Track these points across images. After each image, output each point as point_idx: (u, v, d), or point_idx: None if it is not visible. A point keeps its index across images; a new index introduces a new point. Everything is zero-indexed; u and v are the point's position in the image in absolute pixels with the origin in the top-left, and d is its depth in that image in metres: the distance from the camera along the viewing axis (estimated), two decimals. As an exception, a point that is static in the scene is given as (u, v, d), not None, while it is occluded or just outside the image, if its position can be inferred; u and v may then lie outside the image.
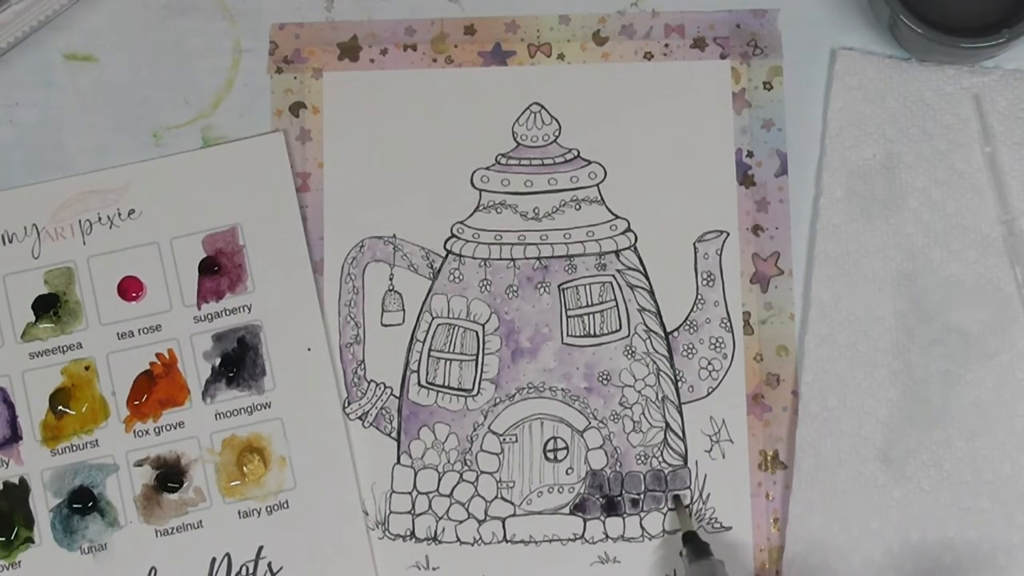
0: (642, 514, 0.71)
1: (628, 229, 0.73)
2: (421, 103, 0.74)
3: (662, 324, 0.72)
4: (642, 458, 0.71)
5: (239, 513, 0.71)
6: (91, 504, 0.71)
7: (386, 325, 0.72)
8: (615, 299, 0.72)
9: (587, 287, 0.72)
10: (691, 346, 0.72)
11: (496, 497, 0.71)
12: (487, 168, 0.73)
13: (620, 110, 0.74)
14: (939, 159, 0.72)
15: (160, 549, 0.71)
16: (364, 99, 0.74)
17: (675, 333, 0.72)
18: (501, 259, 0.72)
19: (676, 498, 0.70)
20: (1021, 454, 0.69)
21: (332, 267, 0.73)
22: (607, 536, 0.71)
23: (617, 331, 0.72)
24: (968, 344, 0.70)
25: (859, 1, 0.74)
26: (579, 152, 0.73)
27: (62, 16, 0.74)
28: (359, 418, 0.72)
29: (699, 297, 0.72)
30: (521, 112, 0.74)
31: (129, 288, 0.72)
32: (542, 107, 0.74)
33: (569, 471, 0.71)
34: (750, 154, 0.73)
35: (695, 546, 0.67)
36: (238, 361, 0.72)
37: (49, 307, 0.72)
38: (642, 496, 0.71)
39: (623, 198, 0.73)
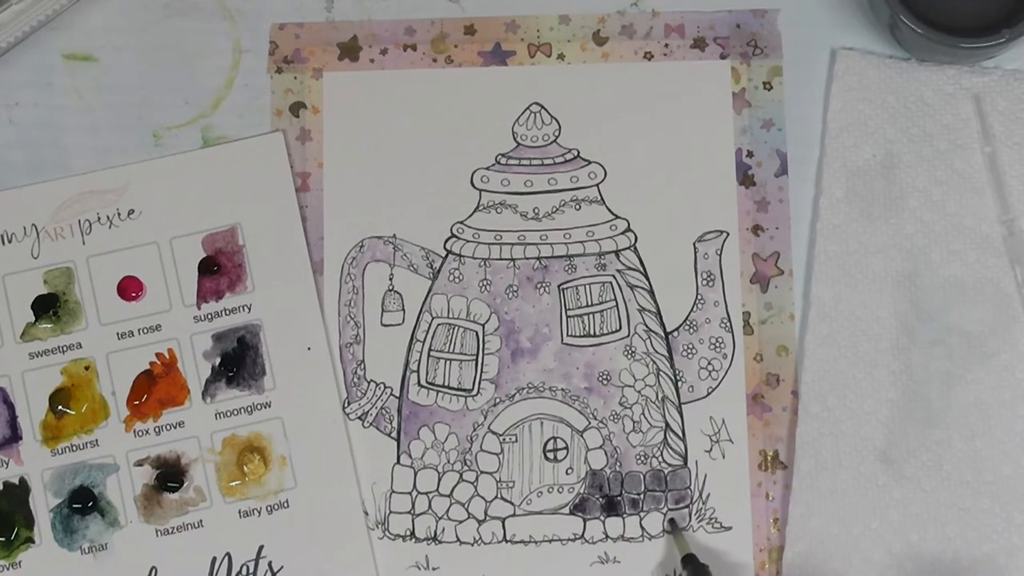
0: (642, 514, 0.71)
1: (628, 229, 0.73)
2: (421, 103, 0.74)
3: (662, 324, 0.72)
4: (642, 458, 0.71)
5: (239, 513, 0.71)
6: (91, 504, 0.71)
7: (386, 325, 0.72)
8: (615, 299, 0.72)
9: (587, 287, 0.72)
10: (691, 346, 0.72)
11: (496, 497, 0.71)
12: (487, 168, 0.73)
13: (620, 110, 0.74)
14: (939, 159, 0.72)
15: (160, 549, 0.71)
16: (364, 99, 0.74)
17: (675, 333, 0.72)
18: (501, 259, 0.72)
19: (672, 521, 0.70)
20: (1021, 454, 0.69)
21: (332, 267, 0.73)
22: (607, 536, 0.71)
23: (617, 331, 0.72)
24: (968, 344, 0.71)
25: (859, 1, 0.74)
26: (579, 152, 0.73)
27: (62, 16, 0.74)
28: (359, 418, 0.72)
29: (699, 297, 0.72)
30: (521, 112, 0.74)
31: (129, 288, 0.72)
32: (542, 107, 0.74)
33: (569, 471, 0.71)
34: (750, 154, 0.73)
35: (695, 569, 0.67)
36: (238, 361, 0.72)
37: (49, 307, 0.72)
38: (642, 496, 0.71)
39: (623, 198, 0.73)
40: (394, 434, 0.72)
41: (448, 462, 0.71)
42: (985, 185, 0.72)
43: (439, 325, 0.72)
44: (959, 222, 0.72)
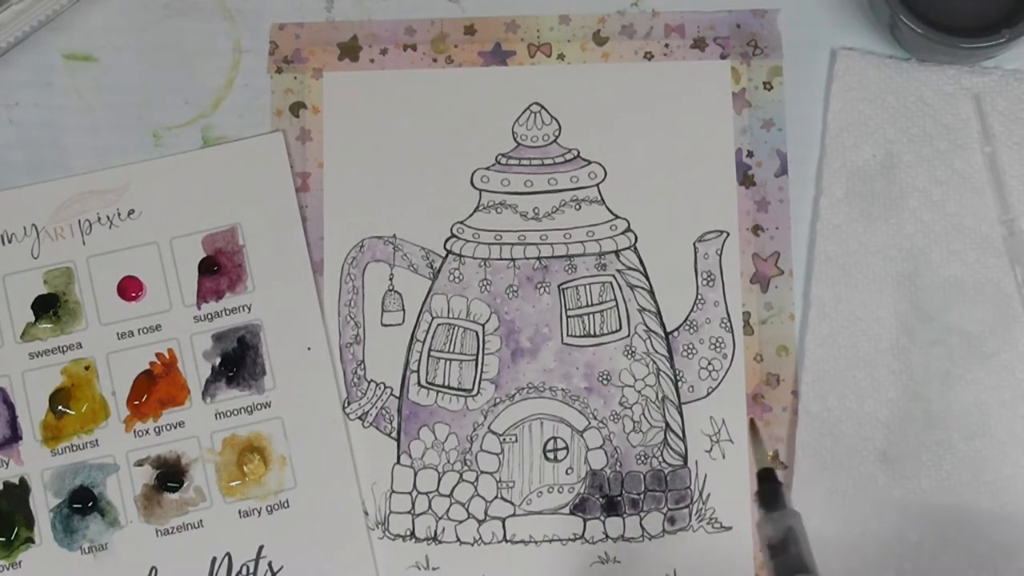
0: (642, 514, 0.71)
1: (628, 229, 0.73)
2: (421, 103, 0.74)
3: (662, 324, 0.72)
4: (642, 458, 0.71)
5: (239, 513, 0.71)
6: (91, 504, 0.71)
7: (386, 325, 0.72)
8: (615, 299, 0.72)
9: (587, 287, 0.72)
10: (691, 346, 0.72)
11: (496, 497, 0.71)
12: (487, 168, 0.73)
13: (620, 110, 0.74)
14: (939, 159, 0.72)
15: (160, 549, 0.71)
16: (364, 99, 0.74)
17: (675, 333, 0.72)
18: (501, 259, 0.72)
19: (752, 423, 0.68)
20: (1021, 455, 0.69)
21: (332, 267, 0.73)
22: (607, 536, 0.71)
23: (617, 331, 0.72)
24: (968, 344, 0.71)
25: (859, 1, 0.74)
26: (579, 152, 0.73)
27: (62, 16, 0.74)
28: (359, 418, 0.72)
29: (699, 297, 0.72)
30: (521, 112, 0.74)
31: (129, 288, 0.72)
32: (542, 107, 0.74)
33: (569, 471, 0.71)
34: (750, 154, 0.73)
35: (769, 492, 0.60)
36: (238, 361, 0.72)
37: (49, 307, 0.72)
38: (642, 496, 0.71)
39: (623, 198, 0.73)
40: (394, 434, 0.72)
41: (448, 462, 0.71)
42: (985, 185, 0.72)
43: (439, 325, 0.72)
44: (959, 222, 0.72)
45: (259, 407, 0.72)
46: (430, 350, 0.72)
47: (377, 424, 0.72)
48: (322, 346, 0.72)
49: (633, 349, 0.72)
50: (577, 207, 0.73)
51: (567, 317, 0.72)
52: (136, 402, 0.72)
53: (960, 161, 0.72)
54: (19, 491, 0.71)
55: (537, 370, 0.72)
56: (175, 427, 0.72)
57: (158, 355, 0.72)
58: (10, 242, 0.73)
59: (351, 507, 0.71)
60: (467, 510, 0.71)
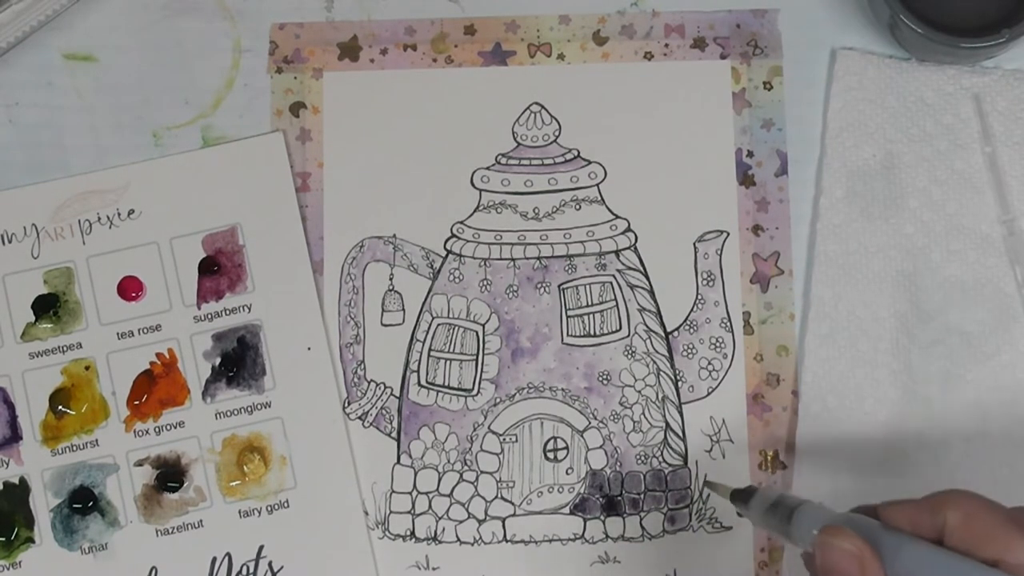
0: (642, 514, 0.71)
1: (628, 229, 0.73)
2: (421, 103, 0.74)
3: (662, 324, 0.72)
4: (642, 458, 0.71)
5: (240, 512, 0.71)
6: (91, 504, 0.71)
7: (386, 325, 0.73)
8: (615, 299, 0.72)
9: (587, 287, 0.72)
10: (691, 346, 0.72)
11: (496, 497, 0.71)
12: (487, 168, 0.73)
13: (620, 110, 0.74)
14: (939, 159, 0.72)
15: (161, 549, 0.71)
16: (364, 99, 0.74)
17: (675, 333, 0.72)
18: (501, 259, 0.72)
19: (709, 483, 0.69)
20: (1020, 456, 0.69)
21: (332, 267, 0.73)
22: (607, 536, 0.71)
23: (617, 331, 0.72)
24: (968, 344, 0.71)
25: (859, 1, 0.74)
26: (579, 152, 0.73)
27: (62, 16, 0.74)
28: (359, 418, 0.72)
29: (699, 297, 0.72)
30: (521, 112, 0.74)
31: (129, 288, 0.72)
32: (542, 107, 0.74)
33: (569, 471, 0.71)
34: (750, 154, 0.73)
35: (741, 494, 0.64)
36: (238, 361, 0.72)
37: (49, 307, 0.72)
38: (642, 496, 0.71)
39: (623, 198, 0.73)
40: (394, 434, 0.72)
41: (448, 462, 0.71)
42: (985, 185, 0.72)
43: (439, 325, 0.72)
44: (959, 222, 0.72)
45: (259, 407, 0.72)
46: (430, 350, 0.72)
47: (377, 424, 0.72)
48: (322, 346, 0.72)
49: (633, 349, 0.72)
50: (577, 207, 0.73)
51: (567, 317, 0.72)
52: (136, 402, 0.72)
53: (960, 161, 0.72)
54: (19, 491, 0.71)
55: (537, 370, 0.72)
56: (175, 427, 0.72)
57: (158, 355, 0.72)
58: (10, 242, 0.73)
59: (351, 507, 0.71)
60: (467, 510, 0.71)
